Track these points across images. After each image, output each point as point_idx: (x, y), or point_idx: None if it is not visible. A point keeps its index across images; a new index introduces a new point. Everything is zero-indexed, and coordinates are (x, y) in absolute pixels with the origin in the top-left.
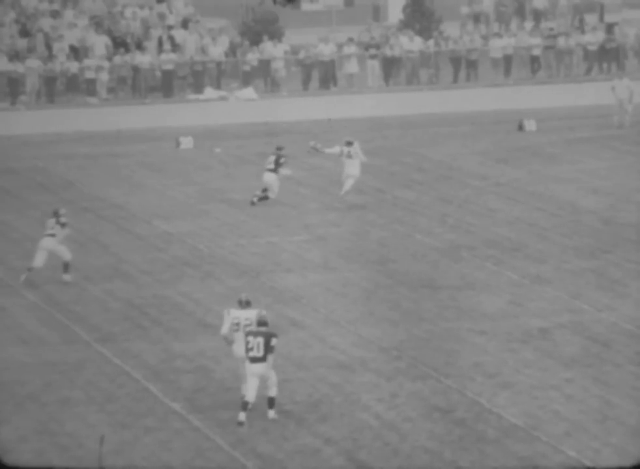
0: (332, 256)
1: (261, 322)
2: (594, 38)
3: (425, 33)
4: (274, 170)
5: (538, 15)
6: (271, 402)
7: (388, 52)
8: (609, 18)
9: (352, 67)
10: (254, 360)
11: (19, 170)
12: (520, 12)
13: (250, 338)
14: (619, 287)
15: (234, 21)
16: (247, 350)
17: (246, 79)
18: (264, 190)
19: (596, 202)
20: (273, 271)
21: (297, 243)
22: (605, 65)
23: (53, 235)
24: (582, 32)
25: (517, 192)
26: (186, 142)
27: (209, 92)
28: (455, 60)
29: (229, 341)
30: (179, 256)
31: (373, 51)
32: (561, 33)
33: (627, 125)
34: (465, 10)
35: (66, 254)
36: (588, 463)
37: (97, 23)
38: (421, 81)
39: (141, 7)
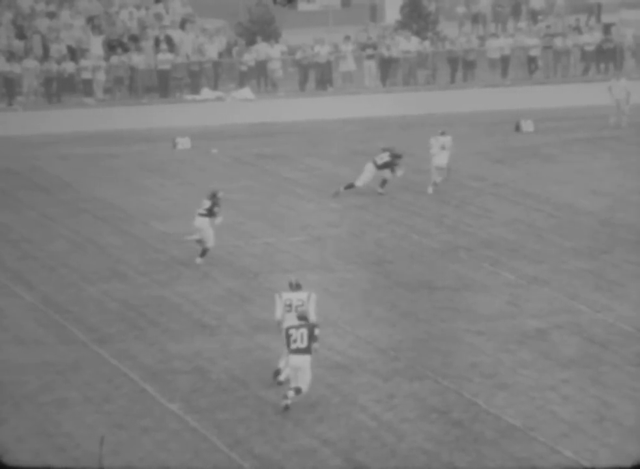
0: (330, 257)
1: (301, 317)
2: (591, 38)
3: (422, 33)
4: (207, 215)
5: (534, 16)
6: (297, 391)
7: (385, 52)
8: (606, 18)
9: (349, 67)
10: (297, 351)
11: (16, 170)
12: (517, 13)
13: (293, 331)
14: (617, 288)
15: (231, 22)
16: (290, 342)
17: (243, 80)
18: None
19: (594, 203)
20: (270, 272)
21: (294, 244)
22: (602, 65)
23: (205, 215)
24: (580, 32)
25: (515, 193)
26: (183, 143)
27: (206, 92)
28: (453, 61)
29: (280, 327)
30: (176, 257)
31: (370, 52)
32: (558, 33)
33: (624, 125)
34: (461, 10)
35: (210, 240)
36: (586, 464)
37: (94, 24)
38: (418, 82)
39: (138, 7)
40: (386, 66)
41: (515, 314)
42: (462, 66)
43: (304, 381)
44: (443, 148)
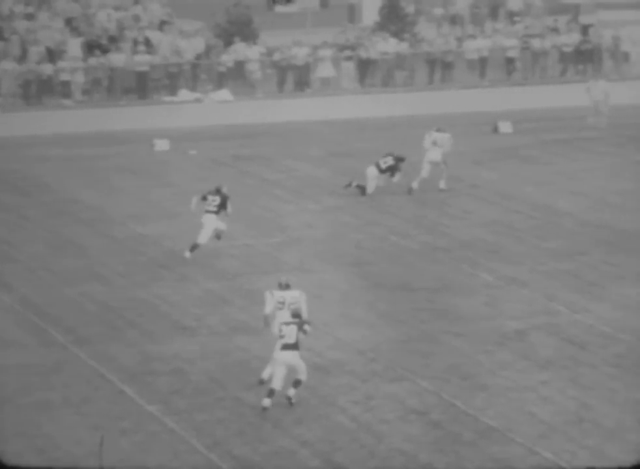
0: (308, 258)
1: (295, 314)
2: (569, 39)
3: (400, 35)
4: (216, 212)
5: (512, 17)
6: (297, 383)
7: (363, 54)
8: (584, 20)
9: (327, 69)
10: (286, 347)
11: None
12: (494, 14)
13: (283, 327)
14: (595, 289)
15: (209, 23)
16: (280, 337)
17: (221, 81)
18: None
19: (572, 204)
20: (249, 274)
21: (273, 246)
22: (580, 67)
23: (215, 212)
24: (558, 33)
25: (493, 194)
26: (161, 144)
27: (184, 93)
28: (431, 62)
29: (267, 322)
30: (155, 258)
31: (348, 53)
32: (536, 35)
33: (603, 126)
34: (439, 11)
35: (206, 237)
36: (564, 465)
37: (72, 25)
38: (396, 83)
39: (116, 9)
40: (364, 67)
41: (494, 315)
42: (440, 68)
43: (302, 372)
44: (435, 143)
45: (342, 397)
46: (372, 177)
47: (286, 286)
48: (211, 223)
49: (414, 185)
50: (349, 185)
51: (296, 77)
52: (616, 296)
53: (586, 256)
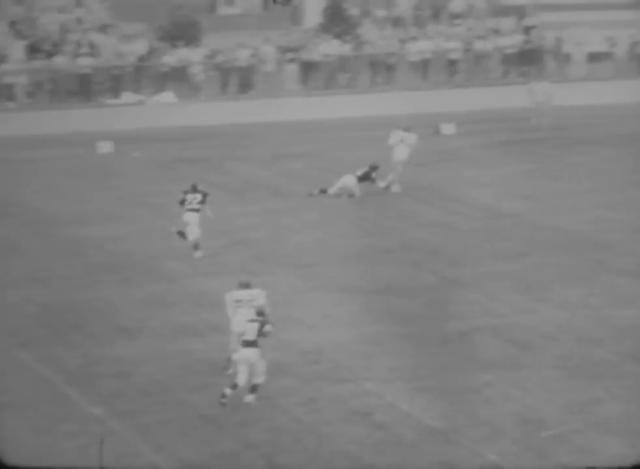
0: (251, 260)
1: (259, 312)
2: (511, 41)
3: (343, 37)
4: (197, 210)
5: (455, 19)
6: (254, 388)
7: (306, 56)
8: (526, 21)
9: (270, 71)
10: (246, 344)
11: None
12: (437, 16)
13: (247, 324)
14: (537, 290)
15: (152, 25)
16: (241, 334)
17: (164, 84)
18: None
19: (514, 205)
20: (192, 276)
21: (215, 248)
22: (523, 68)
23: (197, 210)
24: (500, 35)
25: (436, 195)
26: (105, 147)
27: (127, 96)
28: (373, 64)
29: (232, 322)
30: (98, 261)
31: (291, 55)
32: (478, 36)
33: (545, 128)
34: (382, 13)
35: (195, 233)
36: (508, 467)
37: (15, 28)
38: (339, 85)
39: (59, 11)
40: (307, 69)
41: (437, 317)
42: (383, 70)
43: (260, 372)
44: (402, 142)
45: (285, 398)
46: (350, 184)
47: (245, 286)
48: (193, 220)
49: (395, 188)
50: (322, 191)
51: (239, 79)
52: (558, 297)
53: (528, 258)
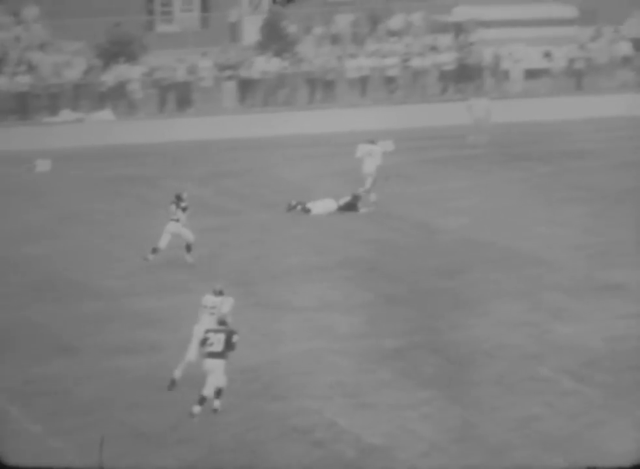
0: (189, 278)
1: (221, 322)
2: (449, 58)
3: (281, 54)
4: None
5: (393, 36)
6: (218, 393)
7: (244, 73)
8: (464, 38)
9: (208, 88)
10: (212, 355)
11: None
12: (375, 33)
13: (211, 334)
14: (476, 307)
15: (90, 43)
16: (207, 345)
17: (102, 101)
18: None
19: (452, 222)
20: (129, 294)
21: (154, 265)
22: (461, 85)
23: (177, 220)
24: (437, 52)
25: (374, 212)
26: (43, 165)
27: (65, 114)
28: (311, 81)
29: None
30: (35, 279)
31: (229, 72)
32: (416, 53)
33: (483, 144)
34: (320, 30)
35: (190, 236)
36: None
37: None
38: (277, 102)
39: None
40: (246, 86)
41: (374, 333)
42: (321, 87)
43: (218, 381)
44: (369, 154)
45: (224, 416)
46: (331, 210)
47: (219, 293)
48: (177, 229)
49: (372, 198)
50: (294, 206)
51: (177, 96)
52: (496, 313)
53: (466, 274)
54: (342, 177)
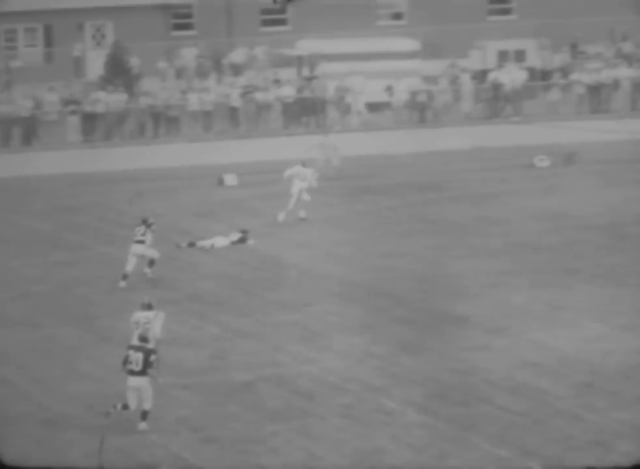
0: (37, 313)
1: (142, 338)
2: (291, 91)
3: (125, 88)
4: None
5: (236, 70)
6: (144, 415)
7: (88, 107)
8: (306, 71)
9: (53, 122)
10: (132, 373)
11: None
12: (218, 66)
13: (131, 352)
14: (320, 340)
15: None
16: (127, 363)
17: None
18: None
19: (298, 255)
20: None
21: (1, 301)
22: (304, 119)
23: (142, 241)
24: (280, 86)
25: (222, 247)
26: None
27: None
28: (155, 115)
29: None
30: None
31: (73, 107)
32: (259, 87)
33: (329, 178)
34: (162, 65)
35: (155, 254)
36: None
37: None
38: (123, 136)
39: None
40: (90, 121)
41: (221, 367)
42: (165, 121)
43: (146, 397)
44: (297, 175)
45: (72, 451)
46: (223, 246)
47: (148, 307)
48: (141, 250)
49: (281, 217)
50: (190, 244)
51: (22, 131)
52: (341, 345)
53: (311, 307)
54: (187, 210)
